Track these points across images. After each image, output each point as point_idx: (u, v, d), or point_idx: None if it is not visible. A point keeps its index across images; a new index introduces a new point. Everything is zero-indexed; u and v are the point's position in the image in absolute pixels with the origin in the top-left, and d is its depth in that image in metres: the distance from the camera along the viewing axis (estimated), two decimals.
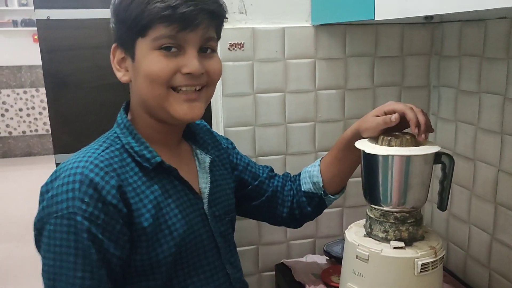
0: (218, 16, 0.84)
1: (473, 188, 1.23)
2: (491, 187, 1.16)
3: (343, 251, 1.24)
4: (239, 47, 1.24)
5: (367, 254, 0.90)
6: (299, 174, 1.12)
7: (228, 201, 1.00)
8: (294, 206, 1.09)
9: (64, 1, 1.42)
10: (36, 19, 1.39)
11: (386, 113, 0.92)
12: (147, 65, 0.80)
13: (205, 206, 0.92)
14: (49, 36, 1.43)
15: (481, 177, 1.20)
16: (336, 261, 1.29)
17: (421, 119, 0.88)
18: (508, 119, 1.10)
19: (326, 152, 1.35)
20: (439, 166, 0.93)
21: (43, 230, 0.78)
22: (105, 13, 1.45)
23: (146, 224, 0.80)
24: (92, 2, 1.47)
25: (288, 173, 1.15)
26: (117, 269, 0.79)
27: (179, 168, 0.87)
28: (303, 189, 1.09)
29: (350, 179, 1.39)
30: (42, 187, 0.82)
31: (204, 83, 0.85)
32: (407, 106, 0.90)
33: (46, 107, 5.90)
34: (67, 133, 1.51)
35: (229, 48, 1.24)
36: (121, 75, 0.87)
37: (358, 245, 0.92)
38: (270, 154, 1.33)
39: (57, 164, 1.53)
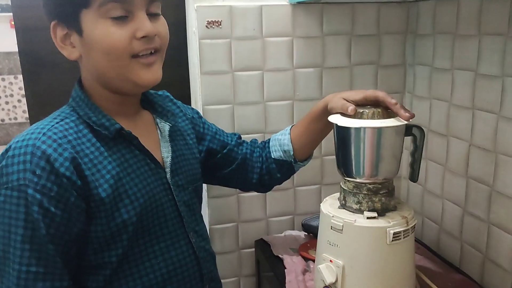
0: None
1: (446, 163, 1.27)
2: (463, 162, 1.20)
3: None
4: (217, 24, 1.24)
5: (341, 224, 0.92)
6: (268, 141, 1.14)
7: (193, 171, 0.99)
8: (264, 172, 1.12)
9: None
10: None
11: (365, 98, 0.93)
12: (100, 38, 0.78)
13: (168, 175, 0.91)
14: (24, 15, 1.41)
15: (454, 152, 1.23)
16: (314, 236, 1.32)
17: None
18: (479, 95, 1.13)
19: None
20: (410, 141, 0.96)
21: None
22: None
23: (104, 194, 0.80)
24: None
25: (255, 139, 1.17)
26: (70, 243, 0.79)
27: (140, 137, 0.87)
28: (273, 156, 1.11)
29: (327, 157, 1.43)
30: None
31: (158, 46, 0.84)
32: (386, 94, 0.92)
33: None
34: (44, 114, 1.49)
35: (206, 26, 1.24)
36: (68, 53, 0.84)
37: (333, 216, 0.94)
38: (249, 132, 1.35)
39: None
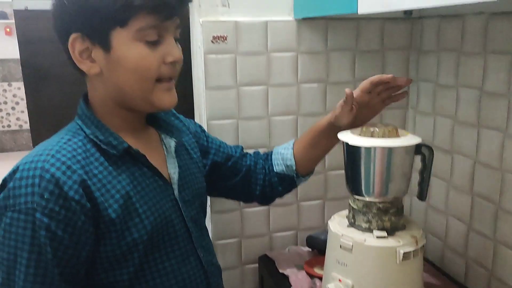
0: (187, 3, 0.85)
1: (451, 179, 1.27)
2: (468, 179, 1.20)
3: (325, 242, 1.27)
4: (222, 39, 1.24)
5: (351, 244, 0.92)
6: (271, 154, 1.14)
7: (198, 185, 0.99)
8: (266, 184, 1.11)
9: None
10: (14, 10, 1.36)
11: (363, 90, 0.99)
12: (133, 59, 0.78)
13: (175, 191, 0.91)
14: (27, 27, 1.40)
15: (459, 169, 1.23)
16: (318, 252, 1.31)
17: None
18: (484, 112, 1.13)
19: None
20: (418, 157, 0.96)
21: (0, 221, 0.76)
22: None
23: (114, 215, 0.79)
24: None
25: (258, 151, 1.17)
26: (78, 266, 0.78)
27: (147, 154, 0.86)
28: (275, 170, 1.11)
29: (331, 172, 1.42)
30: (2, 179, 0.79)
31: (178, 73, 0.86)
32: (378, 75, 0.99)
33: (19, 102, 5.74)
34: (46, 127, 1.48)
35: (212, 41, 1.23)
36: (88, 68, 0.81)
37: (342, 235, 0.94)
38: (253, 147, 1.34)
39: None
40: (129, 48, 0.78)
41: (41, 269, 0.74)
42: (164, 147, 0.95)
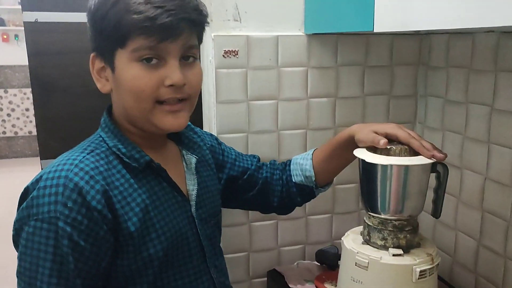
0: (199, 24, 0.82)
1: (460, 195, 1.27)
2: (478, 195, 1.20)
3: (335, 257, 1.26)
4: (234, 54, 1.24)
5: (367, 261, 0.92)
6: (289, 164, 1.14)
7: (214, 203, 0.99)
8: (284, 195, 1.11)
9: (52, 3, 1.39)
10: (24, 21, 1.36)
11: (386, 135, 0.93)
12: (129, 79, 0.79)
13: (193, 208, 0.91)
14: (37, 39, 1.40)
15: (468, 185, 1.24)
16: (327, 267, 1.31)
17: (426, 145, 0.90)
18: (495, 129, 1.14)
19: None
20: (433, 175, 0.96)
21: (22, 231, 0.76)
22: None
23: (133, 228, 0.79)
24: (80, 5, 1.45)
25: (274, 160, 1.17)
26: (97, 277, 0.78)
27: (166, 169, 0.87)
28: (294, 180, 1.11)
29: (339, 186, 1.42)
30: (24, 188, 0.80)
31: (186, 96, 0.83)
32: (409, 134, 0.91)
33: (15, 108, 5.72)
34: (54, 138, 1.48)
35: (223, 55, 1.24)
36: (101, 86, 0.85)
37: (357, 253, 0.93)
38: (263, 160, 1.33)
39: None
40: (127, 68, 0.79)
41: (63, 279, 0.74)
42: (184, 163, 0.95)
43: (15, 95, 5.55)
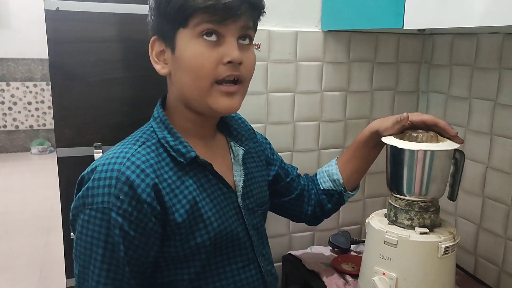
0: (258, 7, 0.85)
1: (461, 184, 1.37)
2: (479, 182, 1.31)
3: (347, 241, 1.34)
4: (256, 47, 1.30)
5: (396, 239, 0.99)
6: (315, 175, 1.19)
7: (262, 193, 1.02)
8: (316, 204, 1.16)
9: None
10: (45, 9, 1.36)
11: (412, 122, 1.01)
12: (189, 56, 0.81)
13: (239, 199, 0.94)
14: (57, 27, 1.40)
15: (470, 173, 1.34)
16: (340, 251, 1.39)
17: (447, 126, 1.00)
18: (498, 122, 1.25)
19: (328, 150, 1.46)
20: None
21: (78, 218, 0.81)
22: (113, 7, 1.44)
23: (180, 220, 0.82)
24: None
25: (307, 174, 1.22)
26: (145, 265, 0.82)
27: (214, 161, 0.89)
28: (322, 188, 1.15)
29: None
30: (80, 176, 0.84)
31: (242, 77, 0.85)
32: (434, 117, 1.01)
33: (17, 102, 5.58)
34: (69, 127, 1.48)
35: None
36: (160, 68, 0.87)
37: (386, 232, 1.01)
38: (279, 150, 1.39)
39: (59, 158, 1.50)
40: (188, 46, 0.81)
41: (113, 266, 0.79)
42: (231, 154, 0.98)
43: (17, 88, 5.37)
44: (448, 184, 1.08)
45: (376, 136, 1.07)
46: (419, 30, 1.45)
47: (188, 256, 0.85)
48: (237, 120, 1.08)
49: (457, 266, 1.40)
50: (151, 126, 0.89)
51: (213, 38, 0.81)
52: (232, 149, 0.98)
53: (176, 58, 0.83)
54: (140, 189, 0.78)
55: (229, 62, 0.81)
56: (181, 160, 0.85)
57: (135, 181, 0.78)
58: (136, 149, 0.83)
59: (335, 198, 1.15)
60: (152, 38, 0.87)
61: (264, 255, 1.00)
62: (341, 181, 1.14)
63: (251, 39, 0.87)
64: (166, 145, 0.85)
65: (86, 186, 0.80)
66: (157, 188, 0.80)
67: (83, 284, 0.81)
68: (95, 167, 0.81)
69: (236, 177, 0.96)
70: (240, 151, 0.98)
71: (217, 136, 0.98)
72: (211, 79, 0.82)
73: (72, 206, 0.82)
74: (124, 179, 0.78)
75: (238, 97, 0.87)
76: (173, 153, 0.85)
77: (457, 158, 1.05)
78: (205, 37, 0.80)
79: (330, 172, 1.15)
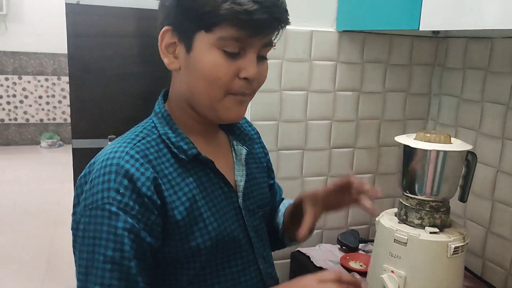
0: (284, 23, 0.81)
1: (471, 187, 1.38)
2: (489, 186, 1.32)
3: (356, 240, 1.36)
4: (272, 45, 1.31)
5: (406, 238, 1.01)
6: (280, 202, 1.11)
7: (263, 195, 0.98)
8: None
9: None
10: (66, 3, 1.38)
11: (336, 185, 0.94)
12: (207, 65, 0.77)
13: (240, 200, 0.90)
14: (77, 21, 1.43)
15: (480, 177, 1.35)
16: (348, 249, 1.40)
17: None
18: (509, 126, 1.25)
19: (340, 150, 1.48)
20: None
21: (80, 225, 0.77)
22: (132, 2, 1.47)
23: (179, 217, 0.79)
24: None
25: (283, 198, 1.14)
26: (150, 260, 0.78)
27: (215, 159, 0.85)
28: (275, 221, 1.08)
29: (357, 176, 1.51)
30: (78, 179, 0.81)
31: (253, 90, 0.83)
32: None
33: (28, 95, 5.69)
34: (85, 119, 1.51)
35: None
36: (169, 62, 0.81)
37: (396, 230, 1.02)
38: (290, 148, 1.42)
39: (74, 149, 1.52)
40: (207, 53, 0.77)
41: (117, 265, 0.74)
42: (233, 154, 0.94)
43: (29, 82, 5.44)
44: (459, 185, 1.09)
45: (300, 204, 0.98)
46: (433, 32, 1.46)
47: (188, 258, 0.81)
48: (242, 120, 1.01)
49: (465, 268, 1.41)
50: (152, 122, 0.86)
51: (235, 50, 0.77)
52: (234, 148, 0.95)
53: (191, 60, 0.79)
54: (139, 182, 0.75)
55: (245, 78, 0.78)
56: (182, 156, 0.82)
57: (134, 174, 0.75)
58: (135, 143, 0.80)
59: (274, 237, 1.07)
60: (165, 28, 0.79)
61: (264, 258, 0.95)
62: (280, 226, 1.06)
63: (266, 57, 0.84)
64: (167, 141, 0.82)
65: (87, 187, 0.77)
66: (157, 183, 0.77)
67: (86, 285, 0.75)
68: (94, 166, 0.78)
69: (238, 177, 0.92)
70: (243, 150, 0.95)
71: (219, 133, 0.94)
72: (224, 91, 0.79)
73: (74, 211, 0.79)
74: (123, 172, 0.75)
75: (246, 105, 0.84)
76: (174, 150, 0.82)
77: (469, 160, 1.06)
78: (227, 49, 0.76)
79: (280, 212, 1.07)
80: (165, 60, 0.82)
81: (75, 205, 0.80)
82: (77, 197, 0.80)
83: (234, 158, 0.93)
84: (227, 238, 0.85)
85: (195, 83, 0.80)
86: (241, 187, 0.91)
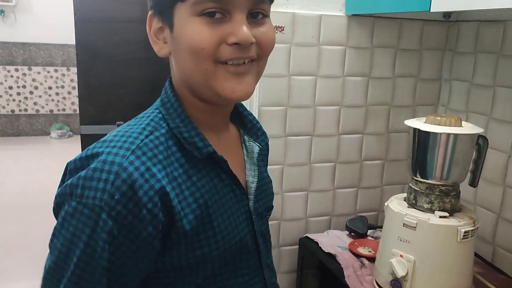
0: None
1: (482, 173, 1.36)
2: (500, 172, 1.30)
3: (364, 226, 1.35)
4: (280, 30, 1.30)
5: (415, 222, 1.00)
6: None
7: (270, 196, 0.89)
8: None
9: None
10: None
11: None
12: (188, 36, 0.67)
13: (251, 203, 0.80)
14: (84, 6, 1.42)
15: (491, 162, 1.33)
16: (357, 235, 1.39)
17: None
18: None
19: (348, 136, 1.46)
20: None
21: (62, 205, 0.68)
22: None
23: (188, 227, 0.69)
24: None
25: None
26: (126, 280, 0.70)
27: (227, 157, 0.75)
28: None
29: (366, 162, 1.50)
30: (70, 162, 0.70)
31: (255, 56, 0.69)
32: None
33: (38, 86, 5.78)
34: (92, 105, 1.51)
35: None
36: (159, 48, 0.73)
37: (406, 215, 1.01)
38: (298, 134, 1.41)
39: (82, 136, 1.53)
40: (186, 23, 0.67)
41: (87, 273, 0.66)
42: (244, 150, 0.84)
43: (38, 73, 5.48)
44: (470, 170, 1.07)
45: None
46: (444, 16, 1.44)
47: (192, 268, 0.72)
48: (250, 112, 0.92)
49: (475, 254, 1.40)
50: (159, 112, 0.74)
51: (217, 16, 0.66)
52: (245, 144, 0.84)
53: (174, 38, 0.69)
54: (141, 191, 0.64)
55: (235, 44, 0.66)
56: (196, 154, 0.72)
57: (137, 180, 0.64)
58: (142, 140, 0.69)
59: None
60: (149, 13, 0.72)
61: (268, 266, 0.87)
62: None
63: (266, 14, 0.70)
64: (179, 136, 0.72)
65: (78, 175, 0.66)
66: (164, 192, 0.67)
67: (51, 282, 0.69)
68: (92, 154, 0.67)
69: (249, 178, 0.82)
70: (255, 148, 0.84)
71: (229, 127, 0.83)
72: (213, 61, 0.67)
73: (57, 193, 0.69)
74: (125, 176, 0.64)
75: (249, 79, 0.69)
76: (187, 146, 0.72)
77: (480, 144, 1.05)
78: (206, 16, 0.66)
79: None
80: (155, 47, 0.74)
81: (60, 187, 0.69)
82: (64, 177, 0.70)
83: (245, 156, 0.83)
84: (235, 247, 0.76)
85: (183, 61, 0.70)
86: (253, 189, 0.81)
